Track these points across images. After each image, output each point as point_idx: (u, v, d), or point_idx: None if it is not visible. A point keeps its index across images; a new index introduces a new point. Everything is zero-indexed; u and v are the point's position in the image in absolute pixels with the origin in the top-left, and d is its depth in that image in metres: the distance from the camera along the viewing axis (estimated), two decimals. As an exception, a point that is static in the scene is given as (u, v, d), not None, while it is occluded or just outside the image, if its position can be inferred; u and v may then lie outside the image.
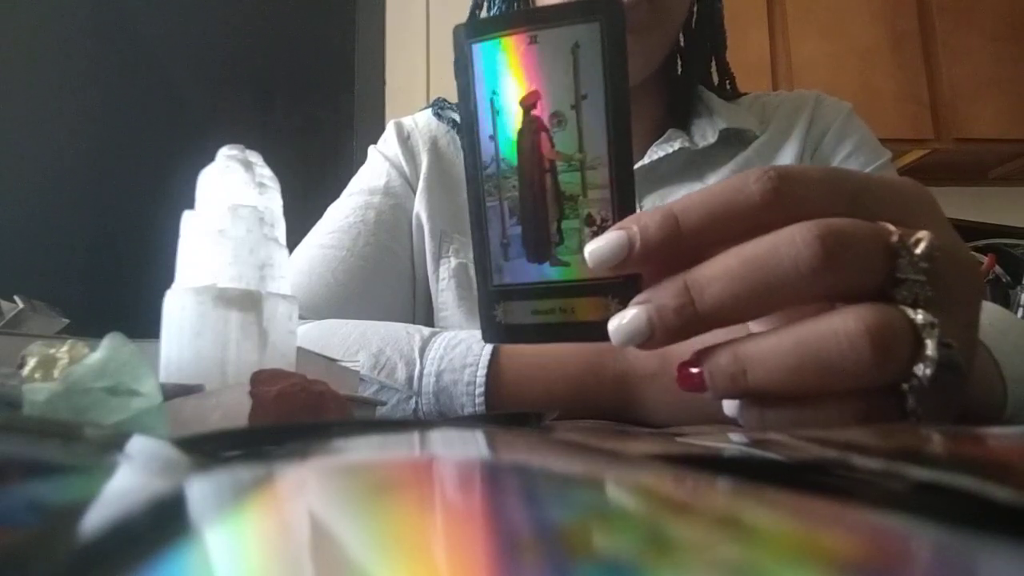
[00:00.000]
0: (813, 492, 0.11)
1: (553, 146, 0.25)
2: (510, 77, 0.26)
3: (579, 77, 0.25)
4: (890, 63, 1.83)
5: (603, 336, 0.24)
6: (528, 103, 0.26)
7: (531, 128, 0.26)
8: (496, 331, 0.28)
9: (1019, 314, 1.39)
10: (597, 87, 0.25)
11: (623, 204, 0.25)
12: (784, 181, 0.22)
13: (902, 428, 0.20)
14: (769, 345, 0.22)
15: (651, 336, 0.23)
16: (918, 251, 0.21)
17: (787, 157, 0.60)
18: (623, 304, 0.24)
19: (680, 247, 0.23)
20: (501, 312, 0.27)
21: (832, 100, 0.64)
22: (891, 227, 0.22)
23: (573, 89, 0.25)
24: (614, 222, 0.25)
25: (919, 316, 0.21)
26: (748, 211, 0.22)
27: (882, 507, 0.10)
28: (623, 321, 0.23)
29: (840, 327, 0.21)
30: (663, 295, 0.23)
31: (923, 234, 0.21)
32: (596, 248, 0.23)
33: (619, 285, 0.25)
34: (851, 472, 0.12)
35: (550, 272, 0.26)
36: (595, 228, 0.25)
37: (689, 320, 0.22)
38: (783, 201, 0.22)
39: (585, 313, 0.26)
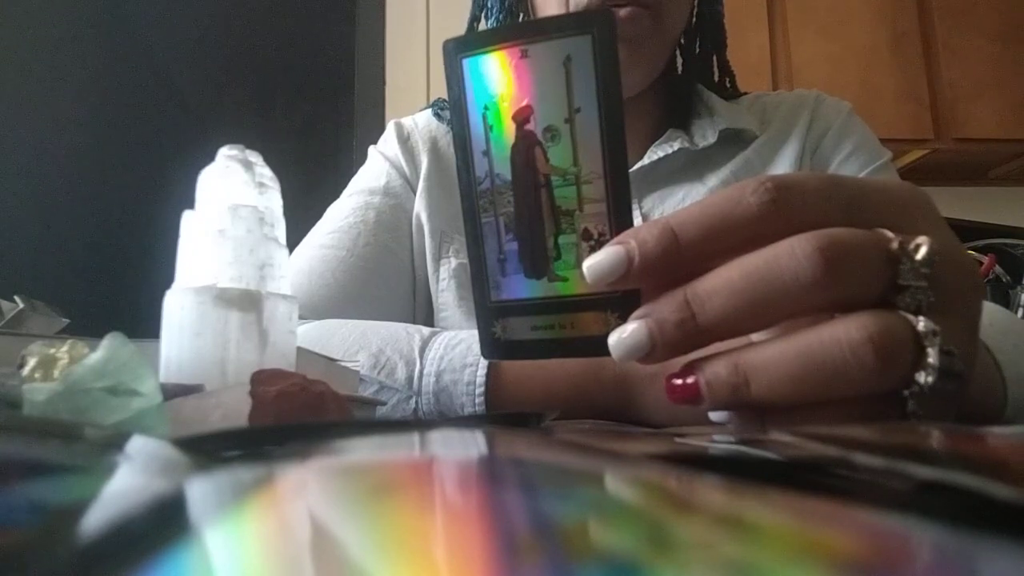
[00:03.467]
0: (815, 491, 0.11)
1: (547, 160, 0.25)
2: (502, 91, 0.25)
3: (572, 90, 0.24)
4: (890, 63, 1.83)
5: (603, 351, 0.24)
6: (521, 118, 0.25)
7: (525, 143, 0.25)
8: (495, 347, 0.27)
9: (1019, 314, 1.39)
10: (590, 100, 0.24)
11: (620, 218, 0.25)
12: (781, 191, 0.22)
13: (903, 427, 0.20)
14: (771, 355, 0.22)
15: (652, 350, 0.22)
16: (918, 257, 0.21)
17: (787, 157, 0.59)
18: (623, 318, 0.24)
19: (679, 260, 0.22)
20: (500, 328, 0.27)
21: (832, 100, 0.64)
22: (890, 234, 0.22)
23: (566, 103, 0.25)
24: (611, 236, 0.25)
25: (921, 323, 0.21)
26: (746, 223, 0.22)
27: (884, 505, 0.09)
28: (623, 335, 0.23)
29: (843, 335, 0.20)
30: (663, 309, 0.22)
31: (922, 239, 0.21)
32: (594, 263, 0.23)
33: (618, 299, 0.25)
34: (853, 470, 0.12)
35: (548, 287, 0.26)
36: (592, 243, 0.25)
37: (690, 334, 0.22)
38: (781, 212, 0.22)
39: (584, 328, 0.26)
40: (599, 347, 0.24)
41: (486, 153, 0.26)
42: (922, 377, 0.21)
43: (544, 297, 0.26)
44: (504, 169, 0.26)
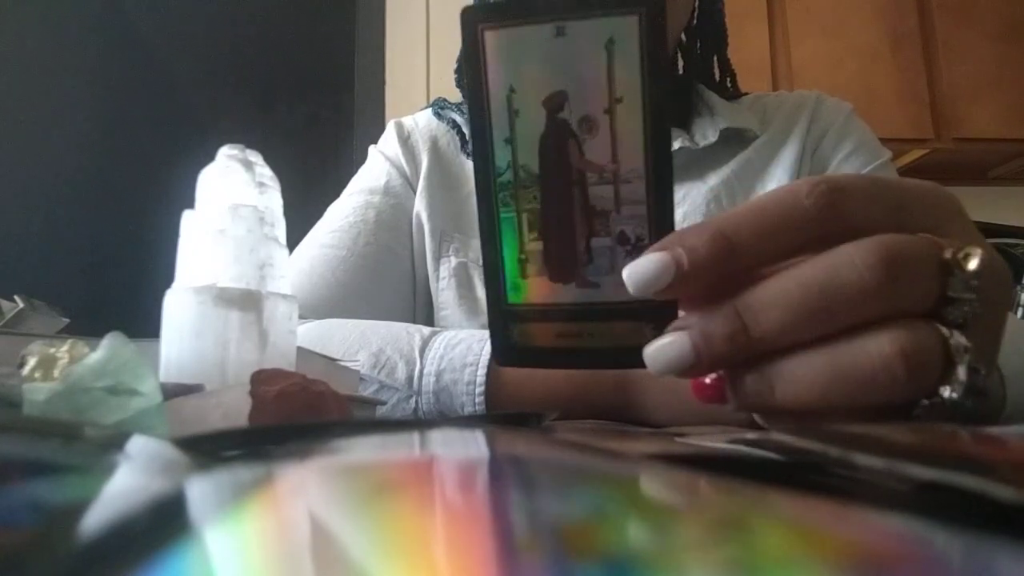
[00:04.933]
0: (815, 491, 0.11)
1: (583, 155, 0.23)
2: (531, 73, 0.22)
3: (614, 78, 0.22)
4: (890, 63, 1.83)
5: (636, 363, 0.22)
6: (553, 104, 0.23)
7: (557, 133, 0.23)
8: (512, 354, 0.25)
9: (1019, 314, 1.39)
10: (634, 90, 0.22)
11: (661, 222, 0.23)
12: (836, 194, 0.21)
13: (904, 427, 0.20)
14: (800, 364, 0.21)
15: (696, 363, 0.21)
16: (970, 268, 0.20)
17: (787, 157, 0.60)
18: (658, 329, 0.22)
19: (731, 268, 0.21)
20: (518, 334, 0.25)
21: (833, 100, 0.64)
22: (942, 242, 0.21)
23: (607, 91, 0.22)
24: (650, 241, 0.23)
25: (954, 338, 0.20)
26: (802, 225, 0.21)
27: (884, 505, 0.09)
28: (662, 347, 0.21)
29: (874, 348, 0.20)
30: (711, 322, 0.21)
31: (973, 249, 0.20)
32: (637, 270, 0.21)
33: (654, 309, 0.23)
34: (853, 470, 0.12)
35: (577, 293, 0.24)
36: (629, 247, 0.23)
37: (740, 347, 0.21)
38: (837, 214, 0.21)
39: (616, 338, 0.24)
40: (632, 359, 0.22)
41: (509, 141, 0.23)
42: (947, 392, 0.20)
43: (572, 303, 0.24)
44: (531, 161, 0.23)
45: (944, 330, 0.20)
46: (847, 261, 0.20)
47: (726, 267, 0.21)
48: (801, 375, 0.21)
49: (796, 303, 0.20)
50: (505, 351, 0.25)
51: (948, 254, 0.21)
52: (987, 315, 0.21)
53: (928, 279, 0.21)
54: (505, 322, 0.25)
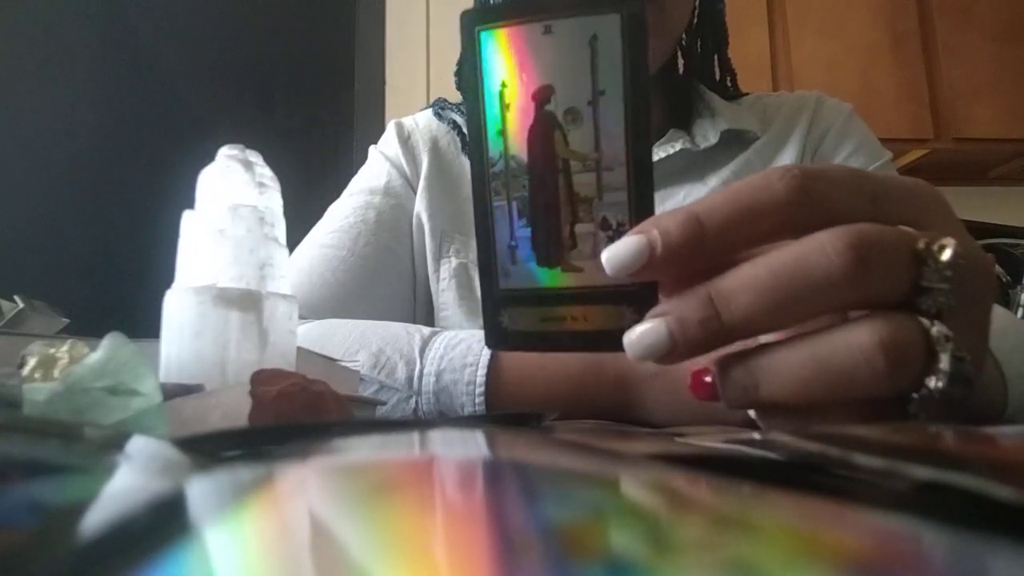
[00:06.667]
0: (815, 491, 0.11)
1: (567, 144, 0.24)
2: (521, 69, 0.24)
3: (597, 72, 0.23)
4: (890, 63, 1.83)
5: (616, 346, 0.23)
6: (541, 97, 0.24)
7: (544, 124, 0.24)
8: (501, 338, 0.26)
9: (1019, 314, 1.39)
10: (616, 83, 0.23)
11: (641, 208, 0.24)
12: (808, 179, 0.21)
13: (904, 427, 0.20)
14: (782, 358, 0.21)
15: (672, 349, 0.22)
16: (943, 258, 0.21)
17: (787, 158, 0.59)
18: (639, 314, 0.23)
19: (703, 250, 0.22)
20: (507, 318, 0.26)
21: (833, 101, 0.64)
22: (916, 233, 0.21)
23: (590, 84, 0.23)
24: (631, 227, 0.24)
25: (935, 328, 0.20)
26: (773, 210, 0.21)
27: (884, 505, 0.09)
28: (641, 334, 0.22)
29: (854, 341, 0.20)
30: (685, 307, 0.22)
31: (948, 240, 0.21)
32: (614, 253, 0.22)
33: (634, 293, 0.24)
34: (853, 470, 0.12)
35: (561, 277, 0.25)
36: (611, 232, 0.24)
37: (713, 333, 0.21)
38: (811, 199, 0.21)
39: (598, 322, 0.25)
40: (612, 342, 0.23)
41: (501, 133, 0.25)
42: (932, 382, 0.20)
43: (557, 287, 0.25)
44: (520, 151, 0.25)
45: (924, 321, 0.21)
46: (817, 247, 0.20)
47: (699, 249, 0.22)
48: (783, 369, 0.21)
49: (766, 288, 0.21)
50: (494, 335, 0.27)
51: (921, 244, 0.21)
52: (965, 306, 0.21)
53: (900, 268, 0.21)
54: (496, 307, 0.26)
